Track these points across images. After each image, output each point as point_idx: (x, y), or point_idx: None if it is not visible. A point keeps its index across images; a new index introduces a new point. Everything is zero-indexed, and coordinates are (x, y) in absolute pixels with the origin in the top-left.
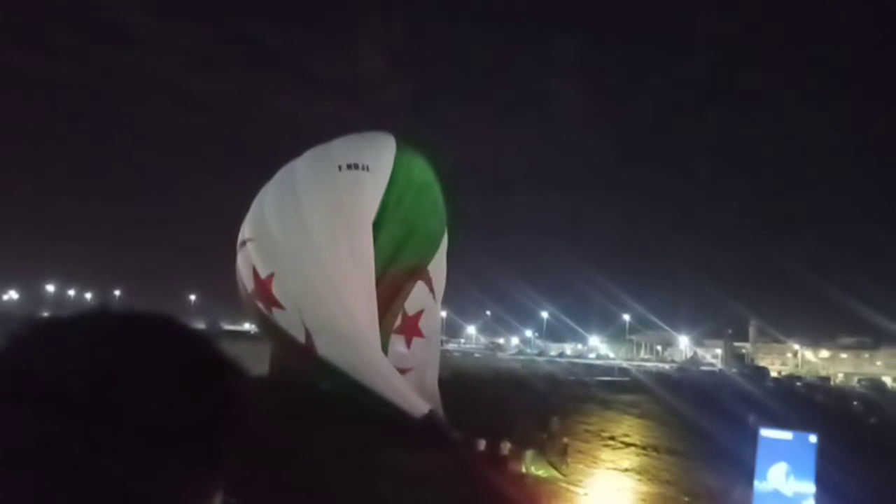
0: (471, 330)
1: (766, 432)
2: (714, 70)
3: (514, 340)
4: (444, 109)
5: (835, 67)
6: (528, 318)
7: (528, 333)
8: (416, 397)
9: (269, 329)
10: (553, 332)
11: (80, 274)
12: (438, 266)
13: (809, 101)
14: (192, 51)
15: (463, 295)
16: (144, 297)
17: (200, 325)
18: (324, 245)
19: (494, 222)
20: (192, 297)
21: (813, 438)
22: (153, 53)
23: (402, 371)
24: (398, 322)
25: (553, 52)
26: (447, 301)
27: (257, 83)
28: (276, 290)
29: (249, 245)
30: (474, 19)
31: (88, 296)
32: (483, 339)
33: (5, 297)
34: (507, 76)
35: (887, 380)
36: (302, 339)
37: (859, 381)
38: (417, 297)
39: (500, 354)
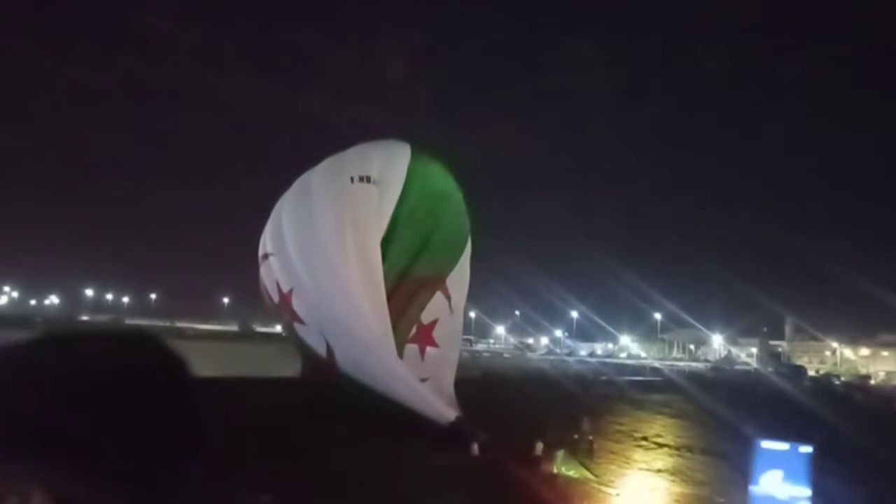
0: (500, 330)
1: (765, 443)
2: (743, 62)
3: (544, 340)
4: (470, 109)
5: (865, 59)
6: (558, 317)
7: (558, 333)
8: (441, 404)
9: (295, 340)
10: (583, 332)
11: (118, 278)
12: (459, 275)
13: (844, 95)
14: (223, 55)
15: (492, 295)
16: (179, 300)
17: (233, 328)
18: (338, 259)
19: (523, 221)
20: (225, 300)
21: (807, 449)
22: (192, 59)
23: (420, 380)
24: (413, 332)
25: (578, 49)
26: (476, 301)
27: (282, 84)
28: (296, 304)
29: (271, 259)
30: (492, 19)
31: (126, 299)
32: (512, 340)
33: (46, 302)
34: (533, 73)
35: None
36: (323, 353)
37: None
38: (433, 307)
39: (529, 354)
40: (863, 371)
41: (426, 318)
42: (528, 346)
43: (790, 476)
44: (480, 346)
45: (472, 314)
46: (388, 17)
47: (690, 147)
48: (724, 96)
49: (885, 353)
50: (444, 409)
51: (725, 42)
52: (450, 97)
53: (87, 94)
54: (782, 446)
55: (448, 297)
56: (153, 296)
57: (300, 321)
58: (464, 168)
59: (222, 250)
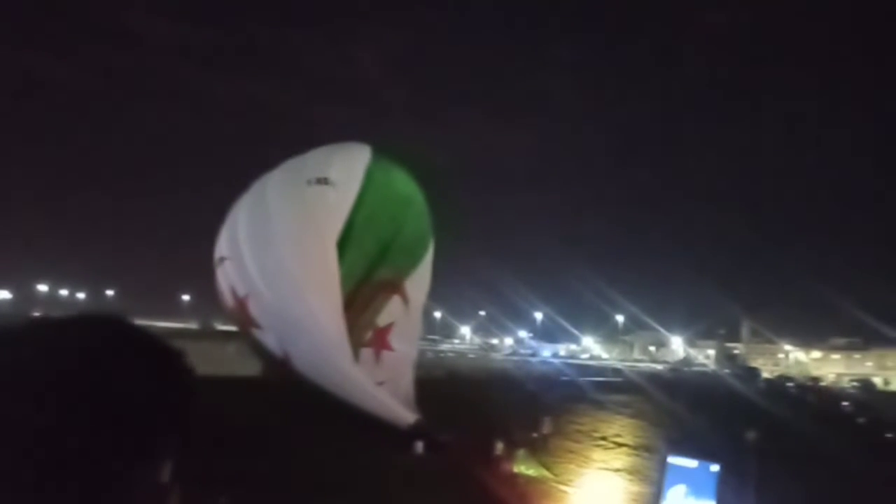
0: (465, 330)
1: (673, 460)
2: (710, 70)
3: (508, 341)
4: (441, 108)
5: (834, 67)
6: (523, 318)
7: (522, 334)
8: (399, 408)
9: (252, 344)
10: (547, 333)
11: (73, 274)
12: (419, 277)
13: (806, 103)
14: (190, 50)
15: (457, 295)
16: (137, 298)
17: (193, 325)
18: (292, 263)
19: (489, 222)
20: (186, 297)
21: (715, 468)
22: (152, 53)
23: (377, 384)
24: (368, 335)
25: (550, 52)
26: (441, 301)
27: (254, 82)
28: (252, 309)
29: (227, 263)
30: (473, 19)
31: (81, 296)
32: (477, 340)
33: None
34: (502, 75)
35: (877, 380)
36: (280, 357)
37: (850, 381)
38: (390, 310)
39: (493, 355)
40: (814, 373)
41: (382, 321)
42: (493, 347)
43: (696, 491)
44: (445, 347)
45: (438, 314)
46: (369, 17)
47: (655, 152)
48: (696, 100)
49: (835, 357)
50: (402, 413)
51: (702, 47)
52: (428, 97)
53: (51, 87)
54: (691, 463)
55: (406, 301)
56: (110, 292)
57: (257, 326)
58: (435, 168)
59: (183, 246)
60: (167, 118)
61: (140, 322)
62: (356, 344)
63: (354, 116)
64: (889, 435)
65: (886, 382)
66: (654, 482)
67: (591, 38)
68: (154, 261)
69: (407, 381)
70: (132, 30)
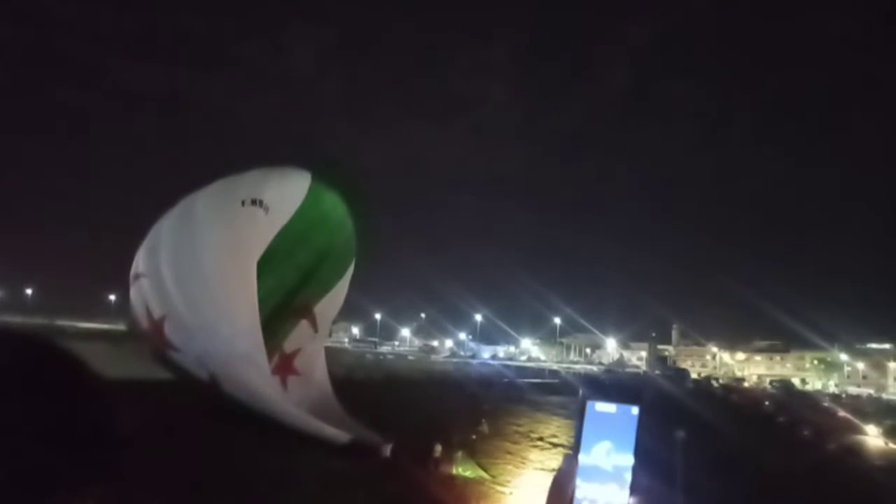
0: (405, 333)
1: (595, 405)
2: (644, 77)
3: (448, 343)
4: (379, 111)
5: (756, 76)
6: (462, 320)
7: (462, 336)
8: (329, 428)
9: (168, 365)
10: (486, 335)
11: None
12: (331, 301)
13: (732, 110)
14: (117, 38)
15: (398, 298)
16: (59, 296)
17: (121, 327)
18: (219, 287)
19: (429, 226)
20: (112, 297)
21: (635, 411)
22: (74, 38)
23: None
24: (274, 361)
25: (488, 56)
26: (382, 304)
27: (185, 75)
28: (168, 332)
29: (143, 281)
30: (412, 19)
31: None
32: (417, 342)
33: None
34: (443, 78)
35: (796, 381)
36: (206, 379)
37: (771, 382)
38: (297, 336)
39: (433, 357)
40: (739, 374)
41: (289, 346)
42: (433, 349)
43: (617, 444)
44: (385, 349)
45: (378, 316)
46: (300, 12)
47: (591, 158)
48: (627, 108)
49: (757, 358)
50: (335, 433)
51: (629, 57)
52: (360, 96)
53: None
54: (611, 408)
55: (314, 325)
56: (29, 291)
57: (174, 349)
58: (369, 180)
59: (109, 243)
60: (86, 109)
61: (63, 322)
62: None
63: (284, 110)
64: (806, 433)
65: (804, 382)
66: (575, 429)
67: (521, 43)
68: (79, 258)
69: (328, 398)
70: (48, 13)
